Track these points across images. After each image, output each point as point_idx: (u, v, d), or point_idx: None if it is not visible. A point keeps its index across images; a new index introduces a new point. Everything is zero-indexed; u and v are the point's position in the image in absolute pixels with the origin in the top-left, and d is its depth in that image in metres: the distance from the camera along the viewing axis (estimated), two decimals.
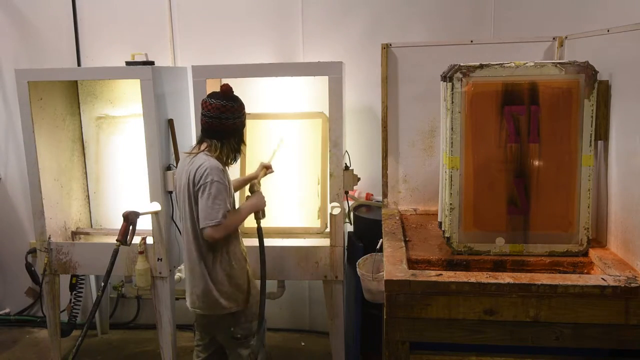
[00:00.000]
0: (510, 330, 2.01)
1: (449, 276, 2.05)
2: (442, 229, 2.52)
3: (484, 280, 2.00)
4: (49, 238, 3.55)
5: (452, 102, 2.33)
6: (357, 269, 2.86)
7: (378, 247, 2.76)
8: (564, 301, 1.96)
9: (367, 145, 3.72)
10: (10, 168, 4.21)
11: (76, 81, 3.82)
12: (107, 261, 3.13)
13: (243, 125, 2.68)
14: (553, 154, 2.33)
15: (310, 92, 3.57)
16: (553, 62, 2.29)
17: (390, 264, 2.18)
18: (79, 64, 3.96)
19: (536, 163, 2.34)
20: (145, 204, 3.35)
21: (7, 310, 4.42)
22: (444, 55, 2.75)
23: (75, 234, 3.83)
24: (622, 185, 2.24)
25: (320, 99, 3.43)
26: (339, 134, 3.17)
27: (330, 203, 3.22)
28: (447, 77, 2.38)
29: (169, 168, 3.44)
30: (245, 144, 2.74)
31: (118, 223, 3.20)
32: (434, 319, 2.03)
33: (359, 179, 3.32)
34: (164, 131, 3.39)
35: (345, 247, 3.40)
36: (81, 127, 3.89)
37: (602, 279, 1.99)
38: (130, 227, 3.17)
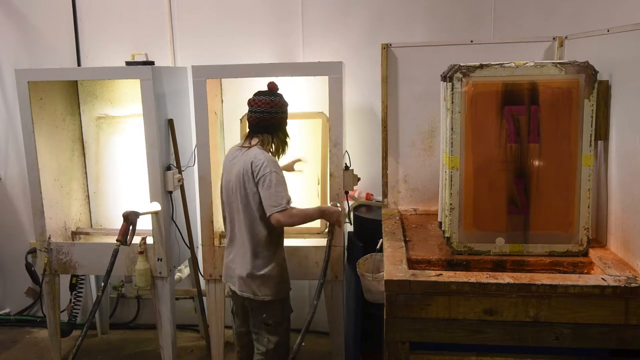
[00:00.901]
0: (510, 330, 2.01)
1: (449, 276, 2.05)
2: (442, 229, 2.52)
3: (484, 280, 1.99)
4: (49, 238, 3.55)
5: (452, 102, 2.33)
6: (357, 269, 2.86)
7: (378, 247, 2.76)
8: (564, 301, 1.96)
9: (367, 145, 3.72)
10: (10, 168, 4.21)
11: (76, 81, 3.82)
12: (107, 261, 3.14)
13: (287, 118, 2.85)
14: (553, 154, 2.32)
15: (310, 92, 3.57)
16: (553, 62, 2.29)
17: (390, 264, 2.18)
18: (79, 64, 3.96)
19: (536, 163, 2.34)
20: (145, 204, 3.35)
21: (7, 310, 4.42)
22: (444, 55, 2.75)
23: (75, 234, 3.83)
24: (622, 185, 2.24)
25: (320, 99, 3.43)
26: (339, 134, 3.17)
27: (329, 202, 3.22)
28: (447, 77, 2.38)
29: (169, 168, 3.44)
30: (289, 137, 2.88)
31: (118, 223, 3.20)
32: (434, 319, 2.03)
33: (359, 179, 3.33)
34: (164, 131, 3.39)
35: (345, 247, 3.40)
36: (81, 127, 3.89)
37: (602, 279, 1.99)
38: (130, 227, 3.17)
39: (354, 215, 3.43)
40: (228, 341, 3.95)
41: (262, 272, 2.77)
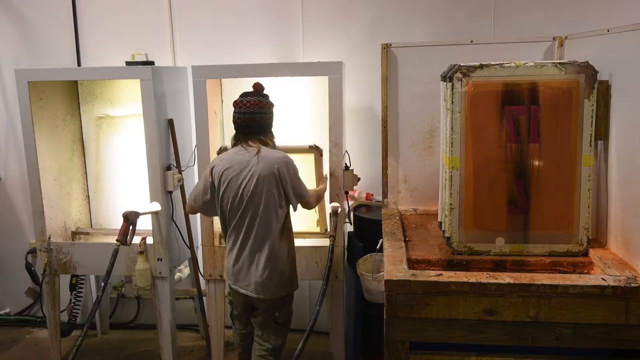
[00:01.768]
0: (510, 330, 2.01)
1: (449, 276, 2.05)
2: (442, 229, 2.52)
3: (484, 280, 2.00)
4: (49, 238, 3.55)
5: (452, 102, 2.33)
6: (357, 269, 2.86)
7: (378, 247, 2.76)
8: (564, 301, 1.96)
9: (367, 145, 3.72)
10: (10, 168, 4.21)
11: (76, 81, 3.82)
12: (107, 261, 3.14)
13: (273, 118, 2.87)
14: (553, 154, 2.33)
15: (310, 92, 3.57)
16: (553, 62, 2.29)
17: (390, 264, 2.18)
18: (79, 64, 3.96)
19: (536, 163, 2.34)
20: (145, 204, 3.35)
21: (7, 310, 4.42)
22: (444, 55, 2.75)
23: (75, 234, 3.83)
24: (622, 185, 2.24)
25: (320, 98, 3.43)
26: (339, 134, 3.17)
27: (330, 203, 3.22)
28: (447, 77, 2.38)
29: (169, 168, 3.44)
30: (274, 137, 2.90)
31: (118, 223, 3.20)
32: (434, 319, 2.03)
33: (359, 179, 3.32)
34: (164, 131, 3.39)
35: (345, 247, 3.40)
36: (81, 127, 3.89)
37: (602, 279, 1.99)
38: (130, 227, 3.17)
39: (354, 215, 3.43)
40: (228, 341, 3.95)
41: (280, 270, 2.78)
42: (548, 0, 3.48)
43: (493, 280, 1.99)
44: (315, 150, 3.32)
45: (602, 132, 2.35)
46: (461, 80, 2.30)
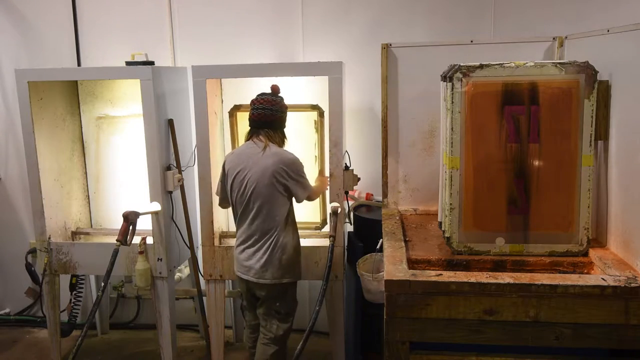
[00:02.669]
0: (510, 330, 2.01)
1: (449, 276, 2.05)
2: (442, 229, 2.52)
3: (484, 280, 2.00)
4: (49, 238, 3.55)
5: (452, 102, 2.33)
6: (357, 269, 2.86)
7: (378, 247, 2.76)
8: (564, 301, 1.96)
9: (367, 145, 3.72)
10: (10, 168, 4.21)
11: (76, 81, 3.82)
12: (107, 261, 3.14)
13: (285, 120, 3.01)
14: (553, 154, 2.33)
15: (310, 92, 3.57)
16: (553, 62, 2.29)
17: (390, 264, 2.18)
18: (79, 64, 3.96)
19: (536, 163, 2.34)
20: (145, 204, 3.35)
21: (7, 310, 4.42)
22: (444, 55, 2.75)
23: (75, 234, 3.83)
24: (622, 185, 2.24)
25: (320, 98, 3.43)
26: (339, 134, 3.17)
27: (330, 203, 3.22)
28: (447, 77, 2.38)
29: (169, 168, 3.44)
30: (286, 138, 3.04)
31: (118, 223, 3.20)
32: (434, 319, 2.03)
33: (359, 179, 3.32)
34: (164, 131, 3.39)
35: (345, 247, 3.40)
36: (81, 127, 3.89)
37: (602, 279, 1.99)
38: (130, 227, 3.17)
39: (354, 215, 3.43)
40: (228, 341, 3.96)
41: (280, 257, 2.89)
42: (548, 0, 3.48)
43: (493, 280, 1.99)
44: (317, 109, 3.39)
45: (602, 132, 2.35)
46: (461, 80, 2.30)
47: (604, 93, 2.32)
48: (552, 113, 2.30)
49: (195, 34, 3.85)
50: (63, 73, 3.59)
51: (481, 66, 2.30)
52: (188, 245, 3.66)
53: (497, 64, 2.30)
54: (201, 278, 3.63)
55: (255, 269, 2.91)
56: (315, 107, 3.39)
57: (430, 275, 2.07)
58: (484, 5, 3.56)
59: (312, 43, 3.75)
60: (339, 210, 3.14)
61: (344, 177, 3.22)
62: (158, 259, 3.43)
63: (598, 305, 1.95)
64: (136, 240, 3.30)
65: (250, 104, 2.96)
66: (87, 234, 3.86)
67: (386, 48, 3.00)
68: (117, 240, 3.14)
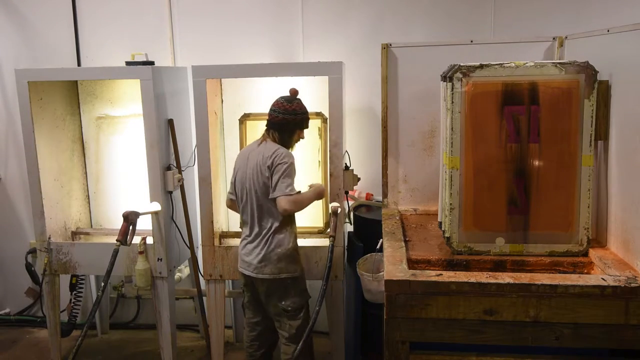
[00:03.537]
0: (510, 330, 2.01)
1: (449, 276, 2.05)
2: (442, 229, 2.52)
3: (484, 280, 2.00)
4: (49, 238, 3.55)
5: (452, 102, 2.33)
6: (357, 269, 2.86)
7: (378, 247, 2.76)
8: (564, 301, 1.96)
9: (367, 145, 3.72)
10: (10, 168, 4.21)
11: (76, 81, 3.82)
12: (107, 261, 3.14)
13: (297, 125, 2.97)
14: (553, 154, 2.32)
15: (310, 92, 3.57)
16: (553, 62, 2.29)
17: (390, 264, 2.18)
18: (79, 64, 3.96)
19: (536, 163, 2.34)
20: (145, 204, 3.35)
21: (7, 310, 4.42)
22: (444, 55, 2.75)
23: (75, 234, 3.83)
24: (622, 185, 2.24)
25: (320, 99, 3.43)
26: (339, 134, 3.17)
27: (330, 203, 3.22)
28: (447, 77, 2.38)
29: (169, 168, 3.44)
30: (295, 142, 3.03)
31: (118, 223, 3.20)
32: (434, 319, 2.03)
33: (359, 179, 3.32)
34: (164, 131, 3.39)
35: (345, 247, 3.40)
36: (81, 127, 3.89)
37: (602, 279, 1.99)
38: (130, 227, 3.17)
39: (354, 215, 3.43)
40: (228, 341, 3.96)
41: (278, 251, 2.91)
42: (548, 0, 3.48)
43: (493, 280, 1.99)
44: (321, 116, 3.40)
45: (602, 132, 2.35)
46: (461, 80, 2.30)
47: (604, 93, 2.32)
48: (552, 113, 2.30)
49: (195, 34, 3.85)
50: (63, 73, 3.59)
51: (481, 66, 2.30)
52: (188, 245, 3.66)
53: (497, 64, 2.30)
54: (201, 278, 3.63)
55: (254, 264, 2.94)
56: (319, 115, 3.40)
57: (430, 275, 2.07)
58: (484, 5, 3.56)
59: (312, 43, 3.75)
60: (339, 210, 3.14)
61: (344, 177, 3.23)
62: (158, 259, 3.43)
63: (598, 305, 1.95)
64: (136, 240, 3.30)
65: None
66: (87, 234, 3.86)
67: (386, 48, 3.00)
68: (117, 240, 3.14)
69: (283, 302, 2.96)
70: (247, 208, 2.98)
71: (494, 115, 2.32)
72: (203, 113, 3.29)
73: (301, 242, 3.42)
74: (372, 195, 3.67)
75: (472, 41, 2.95)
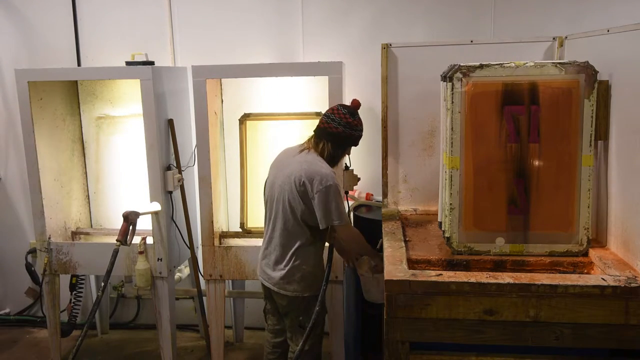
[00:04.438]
0: (510, 330, 2.01)
1: (449, 276, 2.05)
2: (442, 229, 2.52)
3: (484, 280, 2.00)
4: (49, 238, 3.55)
5: (452, 102, 2.33)
6: (357, 269, 2.86)
7: (378, 247, 2.76)
8: (564, 301, 1.96)
9: (367, 145, 3.70)
10: (10, 168, 4.21)
11: (76, 81, 3.82)
12: (107, 261, 3.14)
13: (353, 142, 2.78)
14: (553, 154, 2.32)
15: (310, 92, 3.57)
16: (553, 62, 2.29)
17: (390, 264, 2.18)
18: (79, 64, 3.96)
19: (536, 163, 2.34)
20: (145, 204, 3.35)
21: (7, 310, 4.42)
22: (444, 55, 2.75)
23: (75, 234, 3.83)
24: (622, 185, 2.24)
25: (320, 99, 3.43)
26: None
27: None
28: (447, 77, 2.38)
29: (169, 168, 3.44)
30: (340, 158, 2.84)
31: (118, 223, 3.20)
32: (434, 319, 2.03)
33: (359, 179, 3.32)
34: (164, 131, 3.39)
35: None
36: (81, 127, 3.89)
37: (602, 279, 1.99)
38: (130, 227, 3.17)
39: (354, 215, 3.43)
40: (228, 341, 3.95)
41: (303, 268, 2.74)
42: (548, 0, 3.48)
43: (493, 280, 1.99)
44: (320, 116, 3.33)
45: (602, 132, 2.35)
46: (461, 80, 2.30)
47: (604, 93, 2.32)
48: (552, 113, 2.30)
49: (195, 34, 3.85)
50: (63, 73, 3.59)
51: (481, 66, 2.30)
52: (188, 245, 3.66)
53: (497, 64, 2.30)
54: (201, 278, 3.63)
55: (275, 279, 2.78)
56: (319, 115, 3.37)
57: (430, 275, 2.07)
58: (484, 5, 3.55)
59: (312, 43, 3.75)
60: None
61: (344, 177, 3.22)
62: (158, 259, 3.43)
63: (598, 305, 1.95)
64: (136, 240, 3.30)
65: (327, 111, 2.80)
66: (87, 234, 3.86)
67: (386, 48, 3.00)
68: (117, 240, 3.14)
69: (301, 318, 2.82)
70: (270, 216, 2.80)
71: (494, 115, 2.32)
72: (203, 113, 3.29)
73: None
74: (372, 195, 3.67)
75: (472, 41, 2.95)
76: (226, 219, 3.70)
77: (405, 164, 3.10)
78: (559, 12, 3.46)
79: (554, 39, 2.89)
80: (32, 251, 3.68)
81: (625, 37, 2.20)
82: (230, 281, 3.78)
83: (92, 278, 4.14)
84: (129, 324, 4.32)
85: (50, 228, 3.57)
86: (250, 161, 3.56)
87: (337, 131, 2.70)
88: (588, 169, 2.30)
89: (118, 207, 3.52)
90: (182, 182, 3.53)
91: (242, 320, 4.05)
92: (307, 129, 3.51)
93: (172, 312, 3.55)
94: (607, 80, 2.32)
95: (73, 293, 3.97)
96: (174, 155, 3.50)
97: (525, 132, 2.32)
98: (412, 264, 2.32)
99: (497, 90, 2.31)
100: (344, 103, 3.17)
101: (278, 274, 2.76)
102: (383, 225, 2.77)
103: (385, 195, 3.15)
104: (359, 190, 3.66)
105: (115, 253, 3.14)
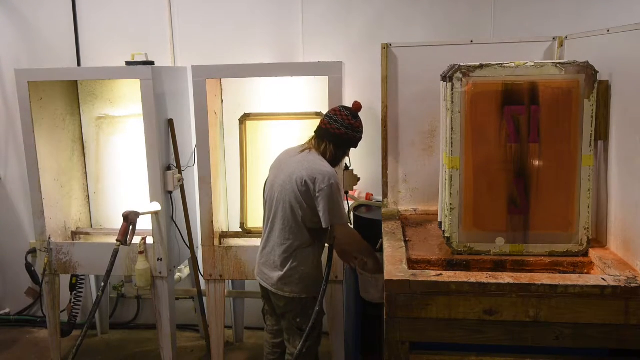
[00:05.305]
0: (510, 330, 2.01)
1: (449, 276, 2.05)
2: (442, 229, 2.52)
3: (484, 280, 2.00)
4: (49, 238, 3.55)
5: (452, 102, 2.33)
6: (357, 269, 2.86)
7: (378, 247, 2.76)
8: (564, 301, 1.96)
9: (367, 145, 3.70)
10: (10, 168, 4.21)
11: (76, 81, 3.82)
12: (107, 261, 3.14)
13: (353, 143, 2.81)
14: (553, 154, 2.32)
15: (310, 92, 3.57)
16: (553, 62, 2.29)
17: (390, 264, 2.18)
18: (79, 64, 3.96)
19: (536, 163, 2.33)
20: (145, 204, 3.35)
21: (7, 310, 4.42)
22: (444, 55, 2.75)
23: (75, 234, 3.83)
24: (622, 185, 2.24)
25: (320, 99, 3.43)
26: None
27: None
28: (447, 77, 2.38)
29: (169, 168, 3.44)
30: (341, 159, 2.86)
31: (118, 223, 3.20)
32: (434, 319, 2.03)
33: (359, 179, 3.32)
34: (164, 131, 3.39)
35: None
36: (81, 127, 3.89)
37: (602, 279, 1.99)
38: (130, 227, 3.17)
39: (354, 215, 3.43)
40: (228, 341, 3.95)
41: (302, 270, 2.73)
42: (548, 0, 3.48)
43: (493, 280, 1.99)
44: (320, 116, 3.29)
45: (602, 132, 2.35)
46: (461, 80, 2.30)
47: (604, 93, 2.32)
48: (552, 113, 2.30)
49: (195, 34, 3.85)
50: (63, 73, 3.59)
51: (481, 66, 2.30)
52: (188, 245, 3.66)
53: (497, 64, 2.30)
54: (201, 278, 3.63)
55: (273, 280, 2.77)
56: (319, 115, 3.39)
57: (430, 275, 2.07)
58: (484, 5, 3.56)
59: (312, 43, 3.75)
60: None
61: (344, 177, 3.22)
62: (158, 259, 3.43)
63: (598, 305, 1.95)
64: (136, 240, 3.30)
65: (328, 112, 2.80)
66: (87, 234, 3.86)
67: (386, 48, 3.00)
68: (117, 240, 3.14)
69: (299, 320, 2.81)
70: (269, 217, 2.79)
71: (494, 115, 2.32)
72: (203, 113, 3.29)
73: None
74: (372, 195, 3.67)
75: (472, 41, 2.95)
76: (226, 219, 3.70)
77: (405, 164, 3.10)
78: (559, 12, 3.47)
79: (554, 39, 2.89)
80: (32, 251, 3.68)
81: (625, 37, 2.20)
82: (230, 281, 3.78)
83: (92, 278, 4.14)
84: (129, 324, 4.32)
85: (50, 228, 3.57)
86: (250, 161, 3.56)
87: (339, 132, 2.72)
88: (588, 169, 2.30)
89: (118, 207, 3.53)
90: (182, 182, 3.54)
91: (242, 320, 4.05)
92: (307, 129, 3.52)
93: (172, 312, 3.55)
94: (607, 80, 2.32)
95: (73, 293, 3.98)
96: (174, 155, 3.50)
97: (525, 132, 2.31)
98: (412, 264, 2.32)
99: (497, 90, 2.31)
100: (344, 104, 3.18)
101: (276, 274, 2.76)
102: (383, 225, 2.77)
103: (385, 195, 3.15)
104: (359, 190, 3.66)
105: (115, 253, 3.15)
